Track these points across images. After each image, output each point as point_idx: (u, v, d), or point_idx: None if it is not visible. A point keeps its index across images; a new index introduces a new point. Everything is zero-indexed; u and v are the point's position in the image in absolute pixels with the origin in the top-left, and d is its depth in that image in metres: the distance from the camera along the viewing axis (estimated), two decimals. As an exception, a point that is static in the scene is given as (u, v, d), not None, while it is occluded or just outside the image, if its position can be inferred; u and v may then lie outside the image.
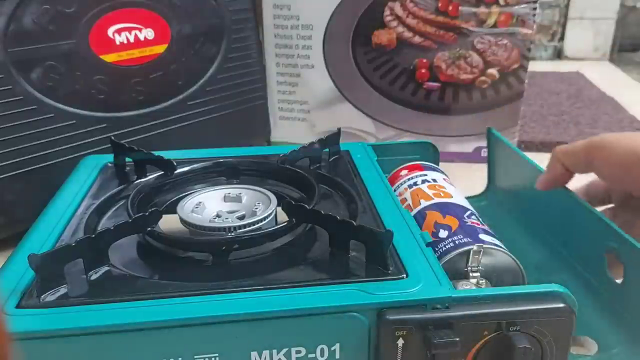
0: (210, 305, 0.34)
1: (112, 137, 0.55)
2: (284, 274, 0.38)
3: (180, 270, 0.40)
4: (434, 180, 0.54)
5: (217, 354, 0.33)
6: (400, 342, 0.33)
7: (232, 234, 0.41)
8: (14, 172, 0.58)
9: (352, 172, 0.54)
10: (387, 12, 0.76)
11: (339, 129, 0.58)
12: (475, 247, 0.43)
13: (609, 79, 1.17)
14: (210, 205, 0.46)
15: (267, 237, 0.41)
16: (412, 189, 0.54)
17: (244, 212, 0.45)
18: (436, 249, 0.44)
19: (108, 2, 0.63)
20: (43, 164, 0.60)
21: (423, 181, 0.54)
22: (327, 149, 0.57)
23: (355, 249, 0.39)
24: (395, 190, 0.55)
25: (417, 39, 0.76)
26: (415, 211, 0.50)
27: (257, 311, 0.33)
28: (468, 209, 0.50)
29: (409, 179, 0.55)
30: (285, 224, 0.41)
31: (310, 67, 0.80)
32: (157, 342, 0.33)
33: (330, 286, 0.35)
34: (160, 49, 0.68)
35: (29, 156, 0.59)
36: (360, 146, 0.60)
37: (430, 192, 0.52)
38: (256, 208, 0.44)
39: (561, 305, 0.34)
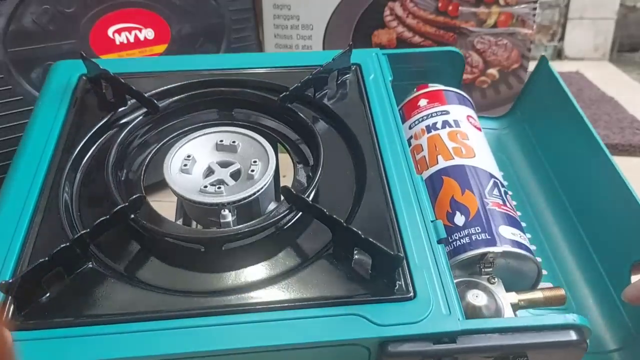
0: (201, 337, 0.32)
1: (82, 53, 0.48)
2: (281, 285, 0.35)
3: (168, 259, 0.37)
4: (457, 124, 0.48)
5: None
6: None
7: (227, 210, 0.38)
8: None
9: (363, 104, 0.47)
10: (387, 12, 0.76)
11: (351, 45, 0.49)
12: (491, 252, 0.41)
13: (609, 79, 1.16)
14: (200, 158, 0.42)
15: (262, 230, 0.38)
16: (430, 134, 0.48)
17: (239, 167, 0.41)
18: (450, 240, 0.42)
19: (108, 2, 0.63)
20: (43, 164, 0.60)
21: (444, 124, 0.48)
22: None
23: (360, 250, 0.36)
24: (410, 128, 0.49)
25: (417, 39, 0.76)
26: (431, 171, 0.46)
27: (250, 346, 0.32)
28: (491, 177, 0.45)
29: (427, 116, 0.49)
30: (285, 213, 0.38)
31: (310, 67, 0.80)
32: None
33: (331, 308, 0.33)
34: (160, 49, 0.68)
35: (29, 156, 0.59)
36: (374, 57, 0.51)
37: (450, 147, 0.46)
38: (252, 170, 0.40)
39: (574, 338, 0.32)
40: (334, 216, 0.36)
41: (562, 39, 1.26)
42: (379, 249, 0.34)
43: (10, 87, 0.57)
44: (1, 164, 0.57)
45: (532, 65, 0.81)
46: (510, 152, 0.50)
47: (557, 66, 1.34)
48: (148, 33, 0.66)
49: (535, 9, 0.74)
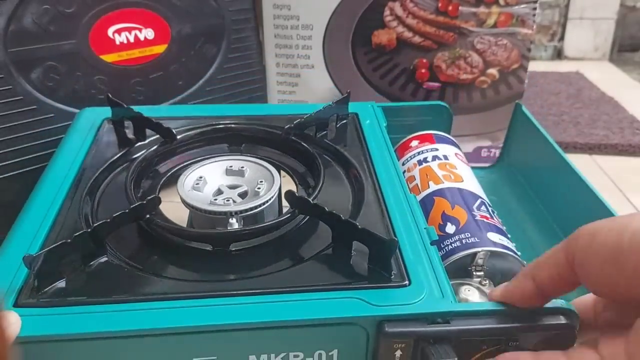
0: (210, 313, 0.33)
1: (109, 95, 0.53)
2: (284, 274, 0.37)
3: (179, 257, 0.39)
4: (445, 158, 0.52)
5: (215, 357, 0.33)
6: (398, 353, 0.33)
7: (234, 219, 0.41)
8: (14, 172, 0.58)
9: (360, 141, 0.51)
10: (387, 12, 0.76)
11: (349, 93, 0.54)
12: (481, 252, 0.42)
13: (609, 79, 1.17)
14: (211, 180, 0.45)
15: (268, 231, 0.40)
16: (421, 166, 0.51)
17: (246, 188, 0.44)
18: (442, 246, 0.44)
19: (108, 2, 0.63)
20: (43, 164, 0.59)
21: (434, 157, 0.52)
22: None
23: (359, 246, 0.38)
24: (403, 164, 0.53)
25: (417, 39, 0.76)
26: (423, 194, 0.48)
27: (255, 321, 0.33)
28: (478, 197, 0.48)
29: (418, 153, 0.53)
30: (288, 216, 0.40)
31: (310, 67, 0.80)
32: (156, 346, 0.33)
33: (331, 292, 0.35)
34: (160, 49, 0.68)
35: (29, 156, 0.59)
36: (369, 108, 0.56)
37: (440, 174, 0.49)
38: (259, 188, 0.43)
39: (564, 322, 0.33)
40: (334, 211, 0.38)
41: (562, 39, 1.27)
42: (375, 236, 0.36)
43: (10, 87, 0.57)
44: (1, 165, 0.57)
45: (532, 66, 0.81)
46: (502, 194, 0.52)
47: (557, 66, 1.34)
48: (148, 33, 0.66)
49: (535, 9, 0.74)
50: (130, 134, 0.52)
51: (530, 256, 0.51)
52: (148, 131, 0.51)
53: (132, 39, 0.65)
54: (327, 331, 0.34)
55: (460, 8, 0.74)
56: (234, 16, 0.73)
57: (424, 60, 0.77)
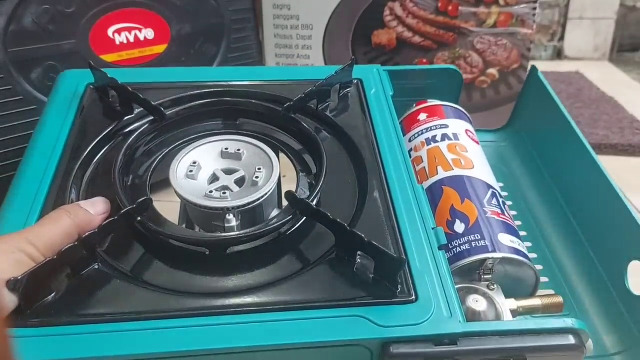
0: (206, 335, 0.32)
1: (91, 62, 0.48)
2: (283, 287, 0.35)
3: (173, 262, 0.37)
4: (456, 137, 0.49)
5: None
6: None
7: (231, 214, 0.39)
8: (14, 172, 0.58)
9: (364, 117, 0.48)
10: (387, 12, 0.76)
11: (353, 59, 0.50)
12: (491, 258, 0.41)
13: (609, 79, 1.16)
14: (206, 165, 0.42)
15: (267, 234, 0.39)
16: (430, 147, 0.49)
17: (243, 174, 0.42)
18: (450, 247, 0.43)
19: (108, 2, 0.63)
20: (43, 164, 0.60)
21: (443, 137, 0.49)
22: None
23: (363, 254, 0.36)
24: (410, 141, 0.50)
25: (417, 39, 0.76)
26: (431, 181, 0.47)
27: (255, 345, 0.32)
28: (490, 187, 0.46)
29: (427, 130, 0.50)
30: (289, 217, 0.39)
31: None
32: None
33: (334, 310, 0.33)
34: (160, 49, 0.68)
35: (29, 156, 0.59)
36: (375, 73, 0.52)
37: (449, 158, 0.47)
38: (257, 177, 0.41)
39: (573, 342, 0.32)
40: (338, 220, 0.36)
41: (562, 39, 1.26)
42: (382, 252, 0.34)
43: (10, 87, 0.57)
44: (1, 164, 0.57)
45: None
46: (509, 163, 0.51)
47: (557, 66, 1.34)
48: (148, 33, 0.66)
49: (535, 9, 0.74)
50: (116, 104, 0.48)
51: (534, 230, 0.50)
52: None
53: (132, 39, 0.65)
54: (330, 351, 0.33)
55: (460, 8, 0.74)
56: (234, 16, 0.73)
57: (424, 60, 0.77)
